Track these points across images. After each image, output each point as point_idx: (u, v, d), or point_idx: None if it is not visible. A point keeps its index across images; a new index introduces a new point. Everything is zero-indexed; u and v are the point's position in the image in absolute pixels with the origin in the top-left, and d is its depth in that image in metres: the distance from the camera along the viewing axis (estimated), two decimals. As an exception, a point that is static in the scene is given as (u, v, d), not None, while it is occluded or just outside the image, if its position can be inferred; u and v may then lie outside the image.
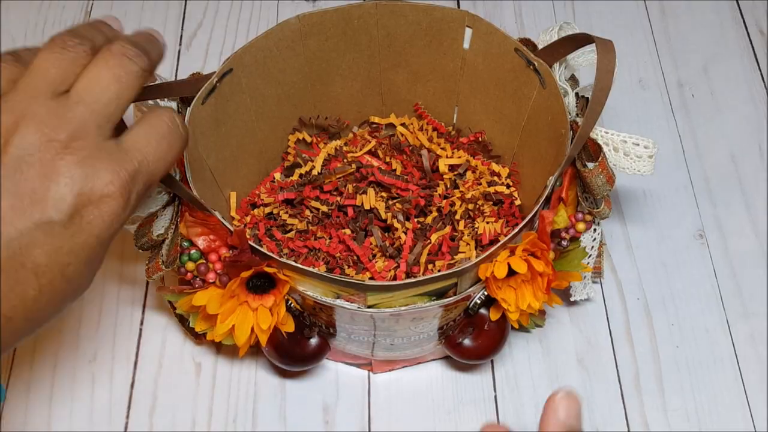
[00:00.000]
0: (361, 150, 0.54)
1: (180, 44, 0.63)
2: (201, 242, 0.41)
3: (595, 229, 0.46)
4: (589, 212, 0.44)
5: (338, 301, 0.41)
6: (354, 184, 0.52)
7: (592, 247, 0.46)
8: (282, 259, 0.39)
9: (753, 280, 0.54)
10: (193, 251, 0.41)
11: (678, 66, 0.64)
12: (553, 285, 0.43)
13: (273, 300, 0.41)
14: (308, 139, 0.55)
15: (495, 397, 0.49)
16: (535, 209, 0.41)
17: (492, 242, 0.49)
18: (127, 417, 0.48)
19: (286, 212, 0.51)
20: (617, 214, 0.56)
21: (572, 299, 0.49)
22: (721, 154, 0.59)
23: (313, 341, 0.46)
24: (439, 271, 0.48)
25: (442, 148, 0.54)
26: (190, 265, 0.41)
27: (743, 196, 0.57)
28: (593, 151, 0.43)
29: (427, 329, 0.44)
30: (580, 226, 0.43)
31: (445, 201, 0.51)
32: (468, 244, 0.49)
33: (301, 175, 0.53)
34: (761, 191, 0.57)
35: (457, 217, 0.50)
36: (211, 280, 0.41)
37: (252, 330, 0.42)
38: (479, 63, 0.50)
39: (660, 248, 0.55)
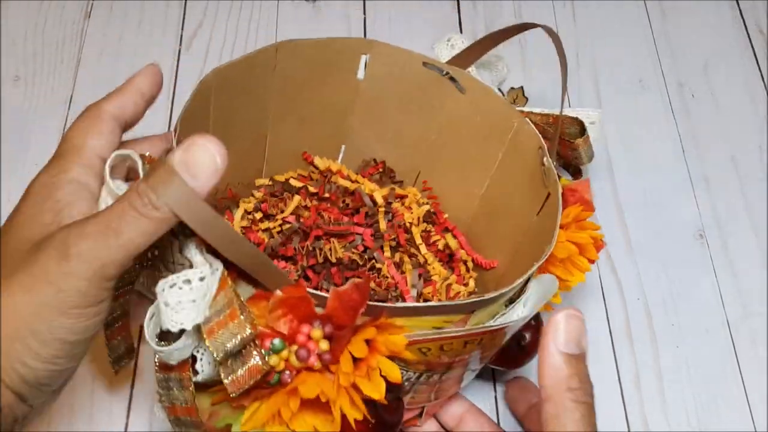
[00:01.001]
0: (285, 210, 0.49)
1: (180, 44, 0.63)
2: (282, 327, 0.32)
3: None
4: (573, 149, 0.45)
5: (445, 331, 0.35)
6: (302, 245, 0.47)
7: None
8: (397, 305, 0.32)
9: (753, 280, 0.54)
10: (275, 341, 0.32)
11: (678, 66, 0.64)
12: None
13: (366, 368, 0.33)
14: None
15: (495, 397, 0.49)
16: (558, 189, 0.40)
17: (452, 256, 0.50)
18: (127, 417, 0.48)
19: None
20: (617, 214, 0.56)
21: None
22: (722, 154, 0.59)
23: (394, 402, 0.38)
24: (426, 300, 0.47)
25: (361, 184, 0.51)
26: (275, 360, 0.31)
27: (743, 196, 0.57)
28: (563, 127, 0.44)
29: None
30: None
31: (399, 230, 0.49)
32: (434, 266, 0.48)
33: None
34: (761, 191, 0.57)
35: (418, 242, 0.49)
36: (314, 366, 0.32)
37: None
38: (375, 90, 0.48)
39: (660, 248, 0.55)
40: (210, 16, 0.65)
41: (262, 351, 0.31)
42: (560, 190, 0.40)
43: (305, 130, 0.50)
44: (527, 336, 0.44)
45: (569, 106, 0.44)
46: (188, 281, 0.30)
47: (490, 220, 0.49)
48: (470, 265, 0.50)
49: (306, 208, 0.49)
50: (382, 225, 0.49)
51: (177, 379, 0.32)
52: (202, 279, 0.30)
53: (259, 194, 0.50)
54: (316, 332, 0.32)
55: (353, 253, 0.47)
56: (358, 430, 0.34)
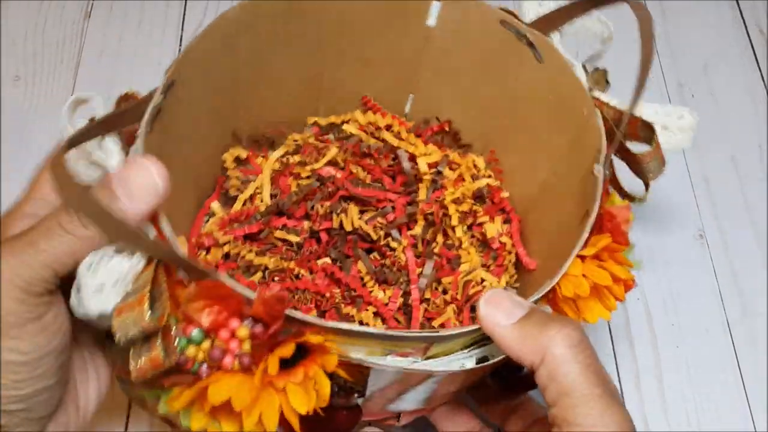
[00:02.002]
0: (319, 161, 0.45)
1: (180, 44, 0.63)
2: (204, 318, 0.30)
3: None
4: (631, 199, 0.39)
5: (389, 359, 0.32)
6: (323, 204, 0.43)
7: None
8: (327, 323, 0.30)
9: (753, 279, 0.54)
10: (193, 332, 0.30)
11: (678, 66, 0.64)
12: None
13: (303, 374, 0.30)
14: (242, 155, 0.45)
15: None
16: (595, 208, 0.34)
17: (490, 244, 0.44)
18: (128, 417, 0.48)
19: (250, 250, 0.42)
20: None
21: None
22: (721, 154, 0.59)
23: (344, 409, 0.36)
24: (444, 291, 0.43)
25: (413, 144, 0.46)
26: (192, 351, 0.30)
27: (743, 196, 0.57)
28: (632, 130, 0.37)
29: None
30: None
31: (435, 205, 0.44)
32: (469, 252, 0.44)
33: (245, 202, 0.44)
34: (761, 191, 0.57)
35: (454, 222, 0.44)
36: (228, 367, 0.30)
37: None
38: (448, 41, 0.43)
39: (660, 248, 0.55)
40: (210, 16, 0.65)
41: (180, 340, 0.30)
42: (596, 210, 0.34)
43: (369, 73, 0.46)
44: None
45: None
46: (107, 262, 0.29)
47: (541, 215, 0.44)
48: (512, 258, 0.44)
49: (335, 164, 0.45)
50: (422, 195, 0.44)
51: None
52: (122, 259, 0.29)
53: (308, 134, 0.46)
54: (243, 330, 0.30)
55: (375, 224, 0.43)
56: None
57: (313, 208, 0.43)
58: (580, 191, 0.38)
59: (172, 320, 0.30)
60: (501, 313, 0.30)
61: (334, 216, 0.43)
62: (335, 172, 0.44)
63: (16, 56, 0.61)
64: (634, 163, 0.37)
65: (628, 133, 0.37)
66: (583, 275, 0.34)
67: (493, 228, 0.44)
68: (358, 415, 0.37)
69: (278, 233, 0.43)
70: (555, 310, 0.35)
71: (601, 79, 0.39)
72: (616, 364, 0.50)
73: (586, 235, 0.34)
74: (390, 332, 0.31)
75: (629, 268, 0.36)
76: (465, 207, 0.45)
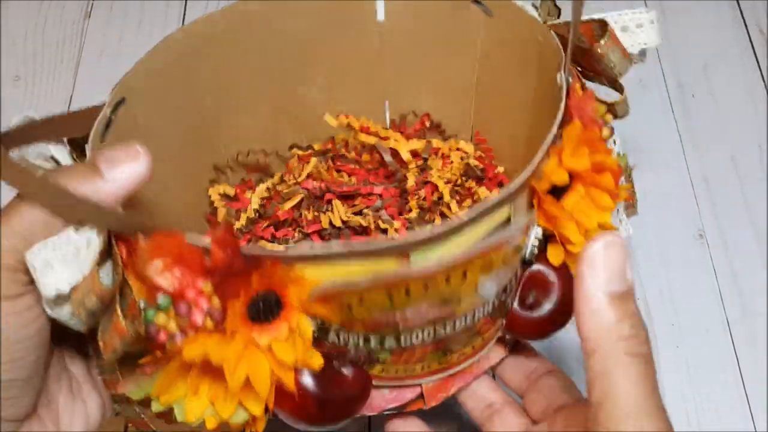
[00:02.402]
0: (300, 176, 0.44)
1: (180, 44, 0.63)
2: (165, 283, 0.28)
3: (615, 141, 0.38)
4: (608, 107, 0.36)
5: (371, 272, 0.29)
6: (310, 210, 0.42)
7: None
8: (294, 251, 0.27)
9: (753, 280, 0.53)
10: (159, 298, 0.28)
11: (678, 66, 0.64)
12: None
13: (287, 327, 0.28)
14: (230, 192, 0.43)
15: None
16: (559, 113, 0.32)
17: None
18: (127, 417, 0.48)
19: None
20: (617, 214, 0.56)
21: None
22: (721, 154, 0.59)
23: (347, 372, 0.33)
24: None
25: (395, 140, 0.45)
26: (162, 319, 0.28)
27: (743, 196, 0.57)
28: (589, 36, 0.35)
29: (490, 293, 0.32)
30: (604, 131, 0.34)
31: (425, 187, 0.42)
32: None
33: (239, 228, 0.42)
34: (761, 191, 0.57)
35: (446, 199, 0.42)
36: (198, 323, 0.28)
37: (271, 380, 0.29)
38: (403, 31, 0.42)
39: (660, 248, 0.55)
40: (210, 16, 0.65)
41: (147, 312, 0.28)
42: (563, 108, 0.32)
43: (336, 92, 0.44)
44: (533, 295, 0.35)
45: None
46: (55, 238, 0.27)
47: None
48: None
49: (318, 177, 0.44)
50: (410, 182, 0.42)
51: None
52: (71, 234, 0.27)
53: (293, 162, 0.45)
54: (207, 285, 0.28)
55: (364, 215, 0.42)
56: (296, 405, 0.30)
57: (300, 215, 0.43)
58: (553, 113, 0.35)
59: (132, 290, 0.28)
60: (607, 272, 0.26)
61: (322, 216, 0.42)
62: (318, 183, 0.44)
63: (16, 56, 0.61)
64: (596, 62, 0.35)
65: (584, 39, 0.35)
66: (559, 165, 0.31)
67: (488, 194, 0.43)
68: (365, 378, 0.33)
69: (265, 244, 0.42)
70: (547, 220, 0.32)
71: (551, 8, 0.38)
72: (616, 364, 0.50)
73: (555, 129, 0.31)
74: (362, 246, 0.28)
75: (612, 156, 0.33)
76: (458, 184, 0.43)
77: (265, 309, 0.28)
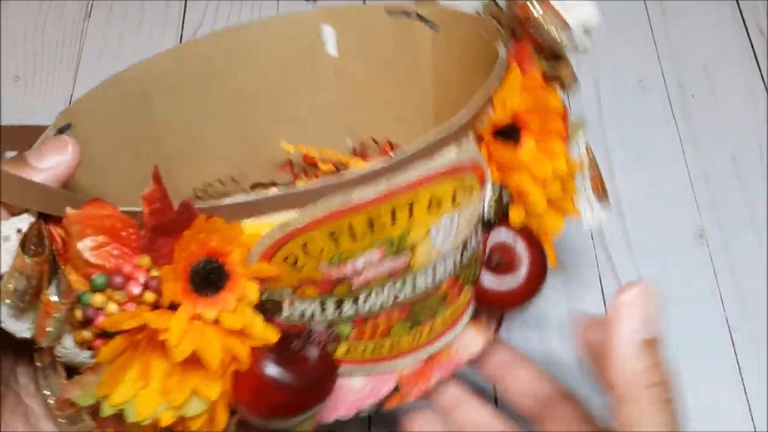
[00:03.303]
0: None
1: (180, 44, 0.63)
2: (97, 259, 0.27)
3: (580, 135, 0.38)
4: (554, 77, 0.36)
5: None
6: None
7: (579, 147, 0.38)
8: (230, 200, 0.27)
9: (754, 280, 0.53)
10: (95, 277, 0.27)
11: (678, 66, 0.64)
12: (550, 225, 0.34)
13: (233, 297, 0.27)
14: None
15: (495, 398, 0.49)
16: (502, 53, 0.31)
17: None
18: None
19: None
20: (617, 214, 0.56)
21: (586, 227, 0.40)
22: (722, 154, 0.59)
23: (312, 352, 0.31)
24: None
25: (354, 164, 0.45)
26: (99, 299, 0.27)
27: (744, 196, 0.57)
28: (524, 12, 0.35)
29: (445, 244, 0.31)
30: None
31: None
32: None
33: None
34: (762, 191, 0.57)
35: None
36: (135, 293, 0.27)
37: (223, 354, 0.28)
38: (354, 63, 0.42)
39: (660, 248, 0.55)
40: (210, 16, 0.65)
41: (84, 295, 0.27)
42: (502, 57, 0.32)
43: (299, 131, 0.44)
44: (499, 254, 0.34)
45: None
46: None
47: None
48: None
49: None
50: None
51: (51, 365, 0.29)
52: None
53: None
54: (144, 259, 0.27)
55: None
56: (255, 395, 0.29)
57: None
58: None
59: (65, 276, 0.27)
60: (639, 320, 0.26)
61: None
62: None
63: (16, 56, 0.61)
64: (534, 32, 0.34)
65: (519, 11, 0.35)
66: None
67: None
68: (330, 360, 0.32)
69: None
70: (500, 172, 0.32)
71: (494, 9, 0.37)
72: (616, 364, 0.50)
73: (495, 74, 0.31)
74: (295, 188, 0.27)
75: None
76: None
77: (208, 279, 0.27)
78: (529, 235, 0.34)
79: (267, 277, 0.28)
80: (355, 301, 0.30)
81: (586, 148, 0.39)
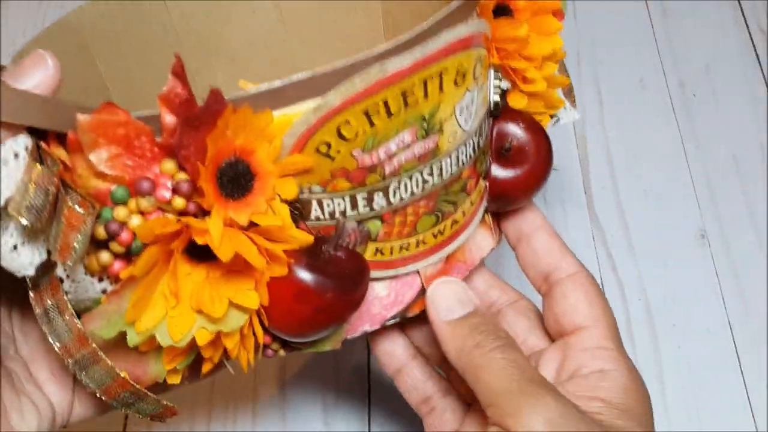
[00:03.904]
0: None
1: (180, 44, 0.63)
2: (110, 170, 0.25)
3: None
4: None
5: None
6: None
7: None
8: (257, 89, 0.25)
9: (755, 279, 0.53)
10: (114, 189, 0.25)
11: (679, 66, 0.64)
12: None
13: (263, 199, 0.26)
14: None
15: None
16: None
17: None
18: (126, 417, 0.48)
19: None
20: (618, 214, 0.56)
21: (562, 122, 0.39)
22: (723, 154, 0.59)
23: (343, 254, 0.30)
24: None
25: None
26: (122, 212, 0.25)
27: (745, 195, 0.57)
28: None
29: (468, 123, 0.31)
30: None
31: None
32: None
33: None
34: (763, 191, 0.57)
35: None
36: (166, 198, 0.25)
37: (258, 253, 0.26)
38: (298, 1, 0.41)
39: (661, 248, 0.55)
40: (210, 15, 0.65)
41: (104, 210, 0.25)
42: None
43: (243, 73, 0.41)
44: (511, 140, 0.35)
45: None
46: None
47: None
48: None
49: None
50: None
51: (54, 306, 0.27)
52: None
53: None
54: (167, 164, 0.25)
55: None
56: (290, 305, 0.28)
57: None
58: None
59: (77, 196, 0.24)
60: (443, 305, 0.30)
61: None
62: None
63: (15, 56, 0.61)
64: None
65: None
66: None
67: None
68: (360, 258, 0.31)
69: None
70: (500, 56, 0.33)
71: None
72: (617, 364, 0.50)
73: None
74: (322, 70, 0.26)
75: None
76: None
77: (237, 181, 0.26)
78: (533, 123, 0.35)
79: (300, 170, 0.27)
80: (386, 192, 0.30)
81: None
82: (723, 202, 0.57)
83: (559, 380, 0.32)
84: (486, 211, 0.36)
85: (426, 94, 0.28)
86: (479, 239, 0.36)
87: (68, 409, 0.32)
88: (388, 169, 0.29)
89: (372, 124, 0.28)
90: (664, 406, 0.49)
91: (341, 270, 0.30)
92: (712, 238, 0.55)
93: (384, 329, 0.35)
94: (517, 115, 0.35)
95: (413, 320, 0.36)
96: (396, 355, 0.38)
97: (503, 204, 0.36)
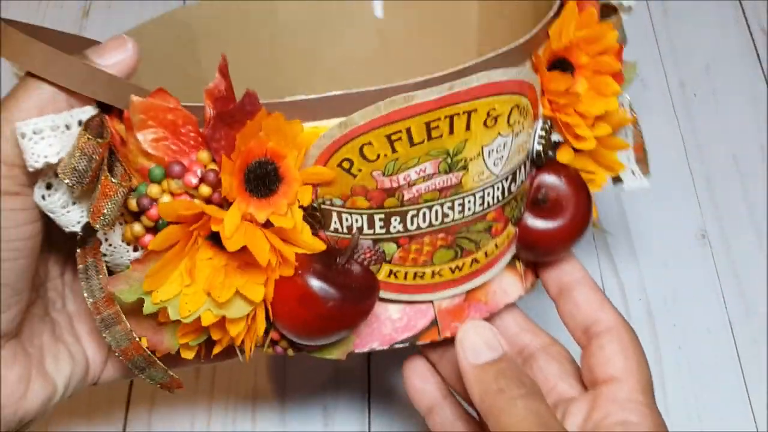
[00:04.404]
0: None
1: (179, 43, 0.63)
2: (153, 150, 0.27)
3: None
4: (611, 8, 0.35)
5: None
6: None
7: (621, 105, 0.37)
8: (291, 99, 0.27)
9: (755, 279, 0.53)
10: (152, 167, 0.27)
11: (680, 66, 0.63)
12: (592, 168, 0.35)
13: (285, 202, 0.28)
14: None
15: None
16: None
17: None
18: (126, 417, 0.48)
19: None
20: (619, 214, 0.56)
21: (626, 187, 0.39)
22: (723, 154, 0.59)
23: (356, 269, 0.31)
24: None
25: None
26: (155, 190, 0.27)
27: (745, 195, 0.57)
28: None
29: (497, 166, 0.32)
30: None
31: None
32: None
33: None
34: (763, 191, 0.57)
35: None
36: (192, 184, 0.27)
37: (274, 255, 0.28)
38: (398, 29, 0.42)
39: (662, 248, 0.55)
40: (209, 15, 0.65)
41: (140, 186, 0.27)
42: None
43: (336, 84, 0.44)
44: (547, 191, 0.35)
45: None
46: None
47: None
48: None
49: None
50: None
51: (93, 264, 0.30)
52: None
53: None
54: (203, 154, 0.27)
55: None
56: (297, 307, 0.29)
57: None
58: None
59: (123, 168, 0.27)
60: (472, 347, 0.31)
61: None
62: None
63: (14, 55, 0.61)
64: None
65: None
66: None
67: None
68: (372, 277, 0.32)
69: None
70: (552, 107, 0.33)
71: None
72: (618, 364, 0.50)
73: (552, 11, 0.32)
74: (354, 90, 0.27)
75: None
76: None
77: (263, 181, 0.27)
78: (577, 179, 0.35)
79: (322, 181, 0.29)
80: (404, 218, 0.30)
81: (630, 108, 0.39)
82: (723, 202, 0.57)
83: (584, 429, 0.32)
84: (517, 257, 0.36)
85: (452, 130, 0.29)
86: (505, 284, 0.36)
87: (101, 367, 0.35)
88: (407, 196, 0.30)
89: (394, 150, 0.29)
90: (665, 406, 0.49)
91: (350, 283, 0.30)
92: (712, 238, 0.55)
93: (416, 365, 0.37)
94: (560, 168, 0.35)
95: (447, 359, 0.37)
96: (427, 393, 0.38)
97: (538, 254, 0.36)
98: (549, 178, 0.34)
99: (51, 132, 0.26)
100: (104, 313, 0.30)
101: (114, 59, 0.28)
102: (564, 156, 0.35)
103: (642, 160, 0.40)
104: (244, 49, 0.41)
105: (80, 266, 0.30)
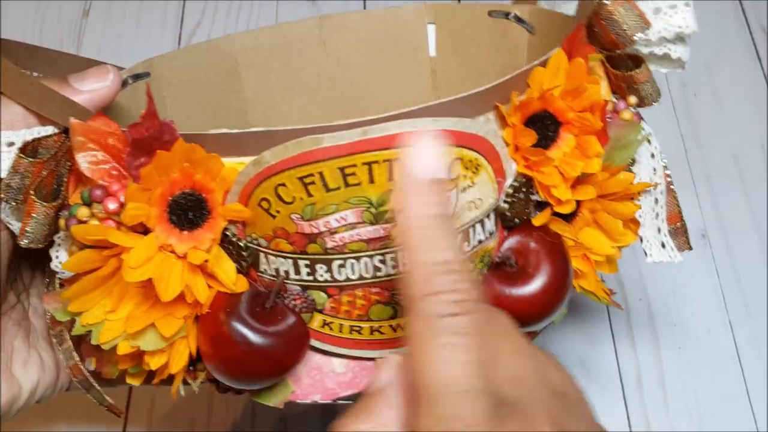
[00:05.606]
0: None
1: (179, 43, 0.62)
2: (88, 172, 0.27)
3: (649, 140, 0.34)
4: (630, 86, 0.32)
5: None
6: None
7: (654, 170, 0.34)
8: (218, 130, 0.27)
9: (755, 280, 0.53)
10: (85, 190, 0.27)
11: (679, 65, 0.63)
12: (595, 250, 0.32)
13: (210, 237, 0.27)
14: None
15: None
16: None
17: None
18: (126, 417, 0.48)
19: None
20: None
21: (649, 260, 0.35)
22: (724, 154, 0.59)
23: (285, 316, 0.29)
24: None
25: None
26: (83, 211, 0.27)
27: (746, 195, 0.57)
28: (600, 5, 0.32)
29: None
30: (626, 114, 0.31)
31: None
32: None
33: None
34: (763, 191, 0.57)
35: None
36: (110, 209, 0.27)
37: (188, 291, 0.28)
38: (451, 62, 0.41)
39: (662, 248, 0.55)
40: (209, 15, 0.65)
41: (73, 207, 0.27)
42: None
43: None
44: (511, 258, 0.31)
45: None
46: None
47: None
48: None
49: None
50: None
51: (52, 281, 0.30)
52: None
53: None
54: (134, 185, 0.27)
55: None
56: (221, 348, 0.28)
57: None
58: None
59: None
60: (417, 160, 0.23)
61: None
62: None
63: (14, 56, 0.61)
64: (609, 25, 0.31)
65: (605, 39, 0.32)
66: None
67: None
68: (302, 324, 0.30)
69: None
70: (526, 164, 0.30)
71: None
72: (618, 364, 0.50)
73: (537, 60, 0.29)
74: (271, 129, 0.26)
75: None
76: None
77: (188, 213, 0.27)
78: (555, 245, 0.31)
79: (242, 219, 0.28)
80: (329, 266, 0.29)
81: (665, 174, 0.35)
82: (724, 202, 0.57)
83: None
84: None
85: (371, 179, 0.27)
86: None
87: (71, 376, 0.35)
88: (329, 244, 0.28)
89: (309, 194, 0.27)
90: (665, 406, 0.48)
91: (273, 329, 0.29)
92: (712, 238, 0.55)
93: None
94: (533, 231, 0.31)
95: None
96: None
97: None
98: (517, 241, 0.31)
99: (7, 147, 0.27)
100: (57, 329, 0.31)
101: (90, 86, 0.29)
102: (540, 219, 0.31)
103: (680, 233, 0.36)
104: (290, 83, 0.41)
105: (47, 280, 0.31)
